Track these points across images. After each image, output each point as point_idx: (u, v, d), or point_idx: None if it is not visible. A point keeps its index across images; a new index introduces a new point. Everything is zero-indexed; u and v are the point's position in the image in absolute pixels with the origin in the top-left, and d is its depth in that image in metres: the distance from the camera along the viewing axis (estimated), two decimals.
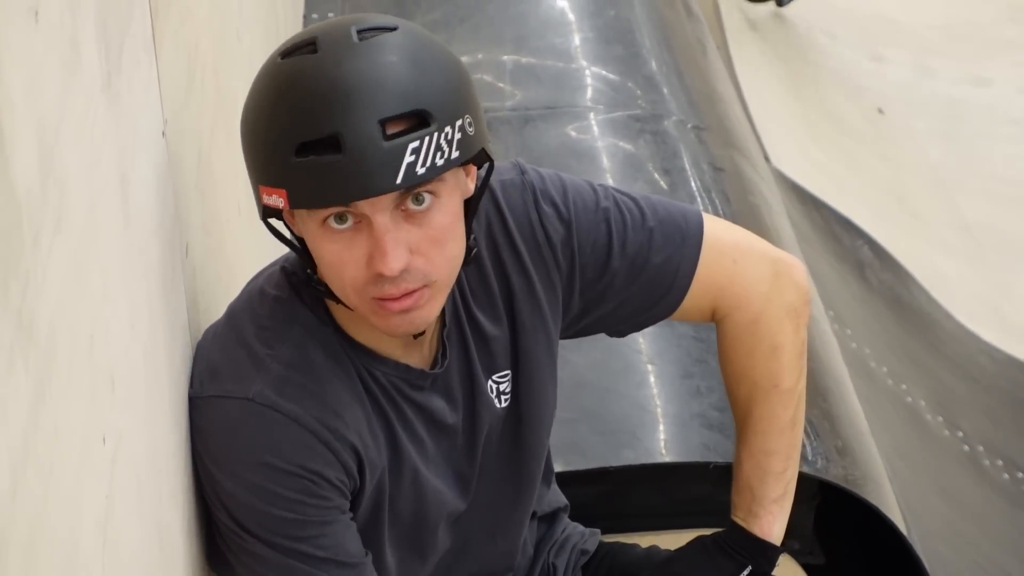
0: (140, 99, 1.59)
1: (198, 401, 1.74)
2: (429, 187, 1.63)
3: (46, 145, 1.19)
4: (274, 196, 1.62)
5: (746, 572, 2.02)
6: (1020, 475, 4.21)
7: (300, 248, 1.71)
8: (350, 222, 1.63)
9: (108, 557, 1.32)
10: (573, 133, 3.56)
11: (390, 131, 1.59)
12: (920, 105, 6.59)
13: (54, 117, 1.22)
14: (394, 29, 1.65)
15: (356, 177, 1.58)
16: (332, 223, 1.63)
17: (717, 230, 1.94)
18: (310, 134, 1.59)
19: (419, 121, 1.60)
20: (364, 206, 1.61)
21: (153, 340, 1.57)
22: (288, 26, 3.63)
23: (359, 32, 1.63)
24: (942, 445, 4.21)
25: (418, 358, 1.82)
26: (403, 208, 1.63)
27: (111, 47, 1.44)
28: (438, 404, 1.84)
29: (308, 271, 1.72)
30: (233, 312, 1.80)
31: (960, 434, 4.29)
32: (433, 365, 1.83)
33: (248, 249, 2.36)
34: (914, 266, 5.13)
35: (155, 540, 1.53)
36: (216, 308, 1.86)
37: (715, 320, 1.97)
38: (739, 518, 2.03)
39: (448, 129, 1.61)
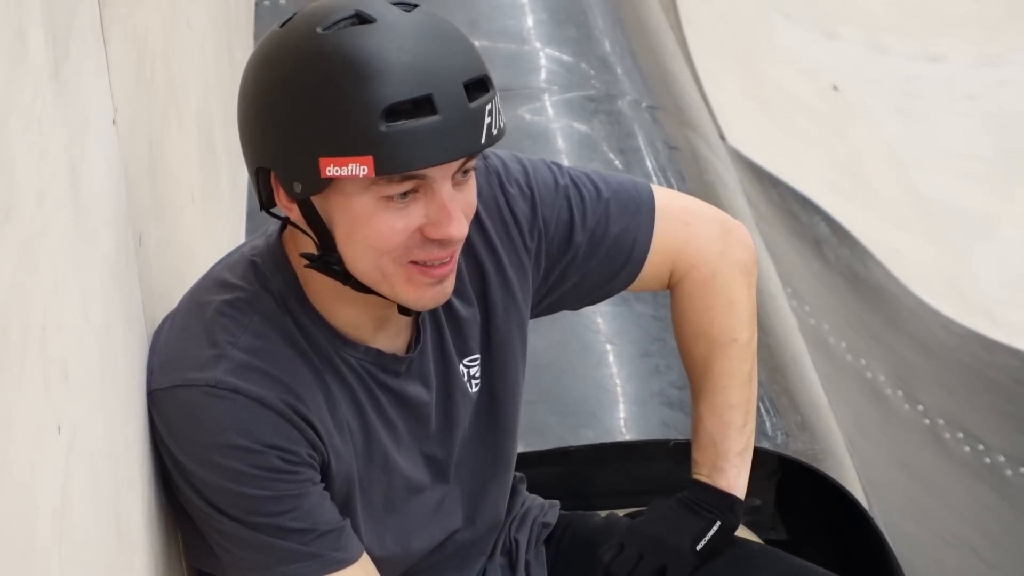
0: (89, 87, 1.58)
1: (159, 393, 1.73)
2: (473, 161, 1.68)
3: None
4: (351, 165, 1.61)
5: (715, 528, 2.03)
6: (980, 447, 4.23)
7: (318, 228, 1.70)
8: (410, 194, 1.65)
9: (65, 548, 1.31)
10: (527, 115, 3.56)
11: (469, 95, 1.63)
12: (875, 82, 6.61)
13: (0, 107, 1.21)
14: (417, 6, 1.68)
15: (451, 137, 1.61)
16: (397, 197, 1.64)
17: (667, 196, 2.01)
18: (399, 96, 1.60)
19: (481, 87, 1.65)
20: (436, 173, 1.64)
21: (107, 330, 1.57)
22: (240, 14, 3.61)
23: (394, 5, 1.66)
24: (902, 419, 4.23)
25: (389, 342, 1.82)
26: (455, 179, 1.67)
27: (58, 35, 1.43)
28: (414, 389, 1.85)
29: (324, 252, 1.71)
30: (191, 301, 1.80)
31: (920, 408, 4.31)
32: (408, 350, 1.84)
33: (202, 238, 2.36)
34: (871, 241, 5.14)
35: (113, 530, 1.52)
36: (171, 297, 1.85)
37: (671, 284, 2.02)
38: (703, 475, 2.05)
39: (498, 95, 1.67)
